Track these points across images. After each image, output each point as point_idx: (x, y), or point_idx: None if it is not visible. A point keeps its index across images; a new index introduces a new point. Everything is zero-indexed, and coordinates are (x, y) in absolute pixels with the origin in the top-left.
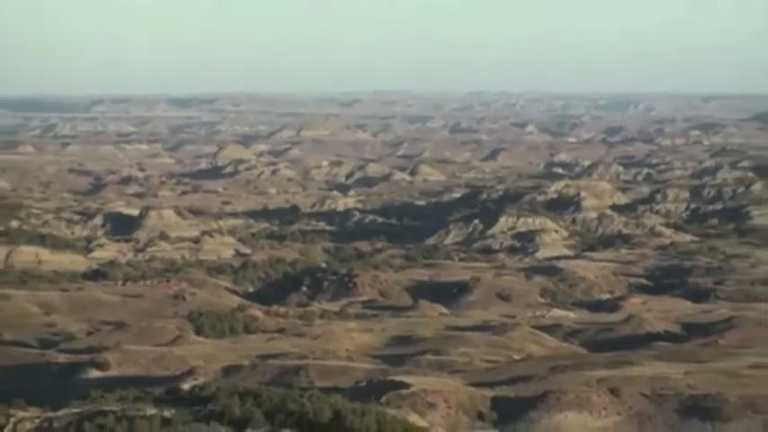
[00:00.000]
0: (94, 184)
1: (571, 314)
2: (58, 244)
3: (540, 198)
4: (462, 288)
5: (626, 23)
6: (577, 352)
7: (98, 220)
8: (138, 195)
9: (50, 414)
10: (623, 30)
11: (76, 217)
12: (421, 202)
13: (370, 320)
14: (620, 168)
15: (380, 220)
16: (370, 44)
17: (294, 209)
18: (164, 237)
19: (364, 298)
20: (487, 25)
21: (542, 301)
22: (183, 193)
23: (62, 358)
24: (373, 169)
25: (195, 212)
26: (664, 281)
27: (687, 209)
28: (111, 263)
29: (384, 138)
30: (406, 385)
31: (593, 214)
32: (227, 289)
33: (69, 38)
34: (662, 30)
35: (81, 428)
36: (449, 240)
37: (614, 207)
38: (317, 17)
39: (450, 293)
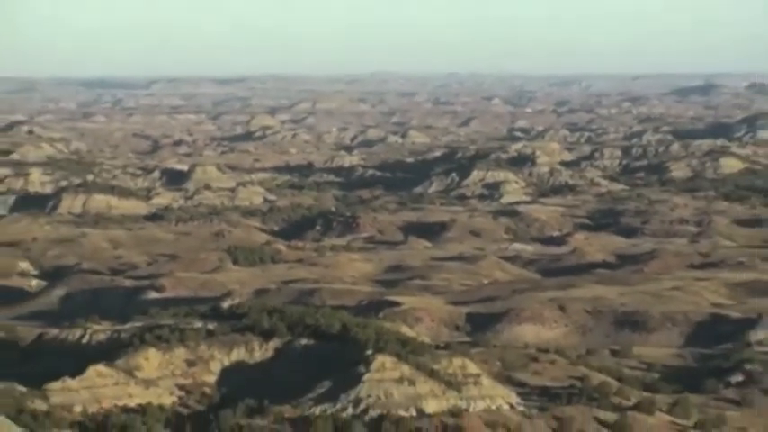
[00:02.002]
0: (153, 146)
1: (528, 247)
2: (124, 193)
3: (504, 156)
4: (442, 227)
5: (575, 16)
6: (533, 277)
7: (156, 174)
8: (187, 155)
9: (118, 327)
10: (572, 23)
11: (139, 172)
12: (410, 159)
13: (369, 252)
14: (567, 132)
15: (378, 173)
16: (370, 37)
17: (310, 165)
18: (207, 187)
19: (365, 235)
20: (464, 22)
21: (506, 237)
22: (223, 152)
23: (127, 283)
24: (372, 134)
25: (232, 168)
26: (601, 221)
27: (620, 164)
28: (166, 208)
29: (380, 109)
30: (399, 304)
31: (546, 168)
32: (257, 228)
33: (132, 28)
34: (600, 22)
35: (143, 338)
36: (432, 189)
37: (562, 163)
38: (327, 16)
39: (432, 231)
